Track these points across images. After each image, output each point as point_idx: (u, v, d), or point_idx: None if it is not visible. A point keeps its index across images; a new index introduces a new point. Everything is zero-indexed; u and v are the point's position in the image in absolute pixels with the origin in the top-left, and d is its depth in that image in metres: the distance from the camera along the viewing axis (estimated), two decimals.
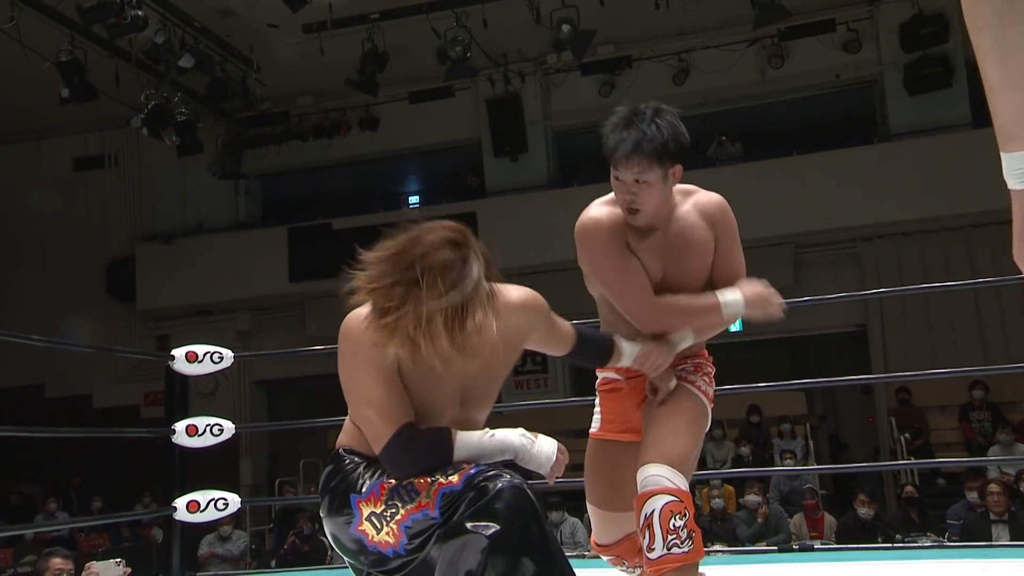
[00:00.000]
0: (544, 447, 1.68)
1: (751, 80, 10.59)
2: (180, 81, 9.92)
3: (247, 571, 6.96)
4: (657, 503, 1.87)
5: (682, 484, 1.92)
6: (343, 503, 1.62)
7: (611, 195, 2.11)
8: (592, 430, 2.29)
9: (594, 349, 2.05)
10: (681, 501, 1.89)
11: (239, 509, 4.10)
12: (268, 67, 10.26)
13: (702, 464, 8.90)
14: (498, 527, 1.46)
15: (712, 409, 2.13)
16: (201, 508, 3.88)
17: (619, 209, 2.07)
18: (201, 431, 3.89)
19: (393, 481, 1.58)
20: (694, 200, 2.16)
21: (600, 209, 2.11)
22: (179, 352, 3.94)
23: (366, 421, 1.63)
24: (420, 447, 1.58)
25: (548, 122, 11.21)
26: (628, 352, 2.04)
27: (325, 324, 10.79)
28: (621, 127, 2.01)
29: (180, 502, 3.87)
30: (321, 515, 1.70)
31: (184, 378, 4.11)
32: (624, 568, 2.26)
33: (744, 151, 10.70)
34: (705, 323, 2.11)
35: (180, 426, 3.89)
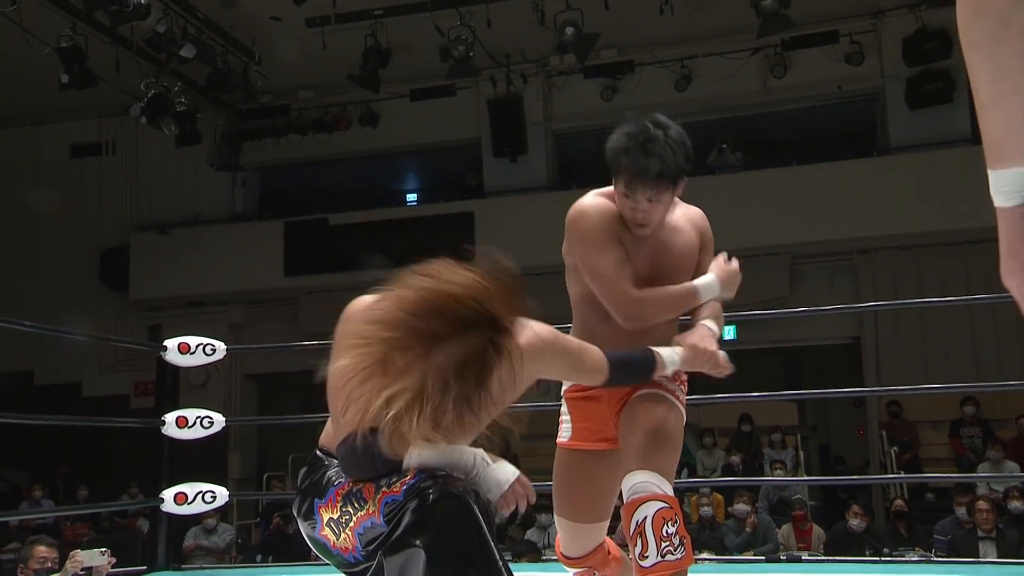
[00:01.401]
0: (499, 472, 1.58)
1: (753, 89, 10.59)
2: (180, 71, 9.88)
3: (232, 564, 6.94)
4: (649, 510, 1.86)
5: (670, 491, 1.93)
6: (309, 507, 1.64)
7: (609, 188, 2.11)
8: (561, 440, 2.23)
9: (634, 370, 1.96)
10: (671, 507, 1.88)
11: (226, 502, 4.09)
12: (269, 60, 10.23)
13: (692, 472, 8.89)
14: (434, 539, 1.46)
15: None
16: (189, 500, 3.86)
17: (614, 204, 2.09)
18: (191, 423, 3.87)
19: (347, 487, 1.59)
20: (682, 209, 2.22)
21: (596, 199, 2.12)
22: (172, 343, 3.92)
23: (341, 418, 1.62)
24: (369, 454, 1.53)
25: (549, 124, 11.20)
26: (669, 358, 1.99)
27: (319, 319, 10.79)
28: (638, 151, 1.99)
29: (168, 493, 3.85)
30: (295, 515, 1.72)
31: (176, 369, 4.10)
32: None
33: (744, 160, 10.70)
34: (684, 309, 2.15)
35: (170, 417, 3.87)
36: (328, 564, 1.68)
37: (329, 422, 1.74)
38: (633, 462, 1.95)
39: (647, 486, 1.90)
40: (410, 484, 1.52)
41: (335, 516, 1.59)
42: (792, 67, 10.35)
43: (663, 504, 1.87)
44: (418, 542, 1.46)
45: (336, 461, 1.65)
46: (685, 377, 2.16)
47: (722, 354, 2.06)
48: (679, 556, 1.85)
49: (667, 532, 1.85)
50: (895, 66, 10.04)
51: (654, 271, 2.10)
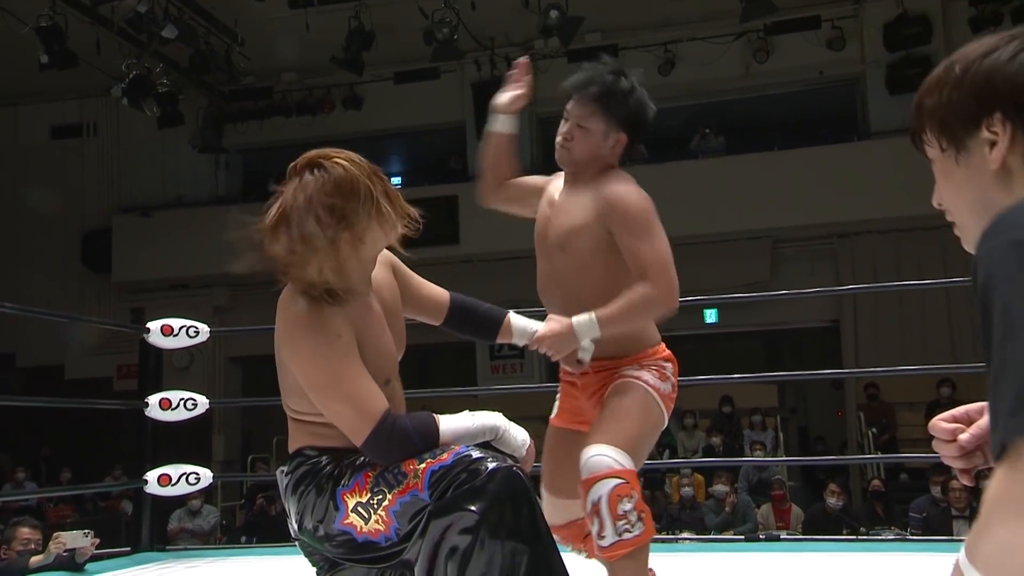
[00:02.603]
0: (520, 431, 1.67)
1: (736, 74, 10.63)
2: (162, 52, 9.81)
3: (216, 546, 6.97)
4: (604, 488, 1.84)
5: (628, 463, 1.87)
6: (330, 498, 1.58)
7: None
8: (551, 416, 2.30)
9: (476, 321, 1.98)
10: (628, 483, 1.85)
11: (210, 484, 4.11)
12: (252, 41, 10.17)
13: (673, 452, 8.99)
14: (488, 507, 1.46)
15: (668, 407, 2.08)
16: (173, 482, 3.89)
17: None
18: (175, 405, 3.89)
19: (376, 470, 1.56)
20: (614, 183, 2.07)
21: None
22: (154, 325, 3.93)
23: (338, 415, 1.58)
24: (406, 435, 1.56)
25: (532, 108, 11.18)
26: (520, 330, 1.99)
27: None
28: (580, 73, 2.09)
29: (151, 475, 3.88)
30: (294, 518, 1.64)
31: (159, 351, 4.11)
32: (570, 550, 2.25)
33: (726, 144, 10.76)
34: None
35: (153, 399, 3.89)
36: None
37: (296, 424, 1.69)
38: (592, 437, 1.94)
39: (601, 459, 1.86)
40: (459, 453, 1.53)
41: (364, 499, 1.55)
42: (774, 52, 10.40)
43: (619, 480, 1.84)
44: (472, 507, 1.46)
45: (326, 456, 1.62)
46: (664, 365, 2.13)
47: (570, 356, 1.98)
48: (637, 533, 1.83)
49: (623, 510, 1.82)
50: (876, 51, 10.11)
51: (550, 233, 2.13)
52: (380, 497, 1.54)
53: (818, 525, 6.87)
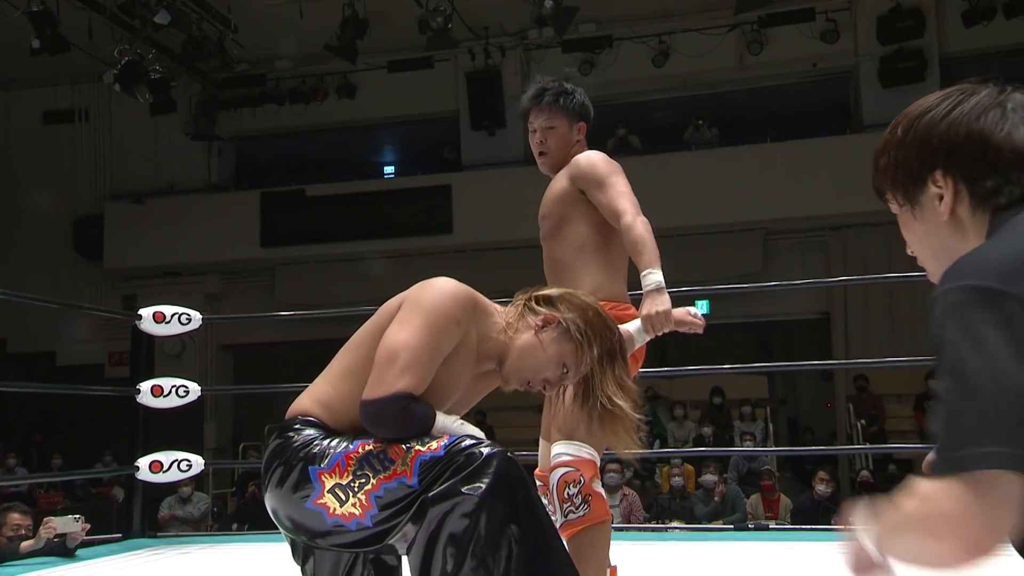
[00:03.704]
0: (476, 432, 1.67)
1: (730, 65, 10.64)
2: (155, 38, 9.76)
3: (207, 533, 6.98)
4: (554, 477, 2.05)
5: (581, 453, 2.07)
6: (301, 476, 1.56)
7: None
8: None
9: None
10: (576, 470, 2.04)
11: (202, 471, 4.12)
12: (246, 28, 10.12)
13: (663, 442, 9.03)
14: (487, 492, 1.47)
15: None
16: (164, 468, 3.90)
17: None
18: (166, 392, 3.90)
19: (360, 451, 1.55)
20: (575, 158, 2.33)
21: None
22: (146, 312, 3.93)
23: (384, 359, 1.56)
24: (410, 416, 1.55)
25: None
26: (635, 330, 2.08)
27: (295, 291, 10.83)
28: (529, 91, 2.40)
29: (143, 462, 3.89)
30: (265, 490, 1.63)
31: (151, 338, 4.11)
32: (546, 501, 2.39)
33: (719, 136, 10.77)
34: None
35: (145, 386, 3.90)
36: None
37: (317, 386, 1.69)
38: (553, 435, 2.13)
39: (558, 457, 2.08)
40: (448, 443, 1.53)
41: (343, 481, 1.53)
42: (768, 44, 10.41)
43: (567, 469, 2.05)
44: (470, 492, 1.47)
45: (314, 431, 1.61)
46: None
47: (680, 311, 2.14)
48: (581, 514, 2.01)
49: (568, 494, 2.02)
50: (869, 44, 10.13)
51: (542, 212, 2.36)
52: (363, 481, 1.52)
53: (807, 515, 6.92)
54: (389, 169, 13.10)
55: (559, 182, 2.32)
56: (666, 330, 2.10)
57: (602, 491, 2.09)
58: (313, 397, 1.67)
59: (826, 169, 9.63)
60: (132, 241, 11.40)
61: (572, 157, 2.32)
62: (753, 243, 10.16)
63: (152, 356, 4.22)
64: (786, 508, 7.41)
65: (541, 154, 2.38)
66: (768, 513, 7.34)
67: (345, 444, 1.57)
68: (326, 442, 1.59)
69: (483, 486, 1.47)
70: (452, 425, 1.60)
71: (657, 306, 2.06)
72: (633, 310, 2.25)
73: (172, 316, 3.95)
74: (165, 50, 10.14)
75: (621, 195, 2.18)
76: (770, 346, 12.08)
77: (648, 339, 2.12)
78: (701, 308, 10.40)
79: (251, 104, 11.42)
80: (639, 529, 5.26)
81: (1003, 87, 1.00)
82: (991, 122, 0.96)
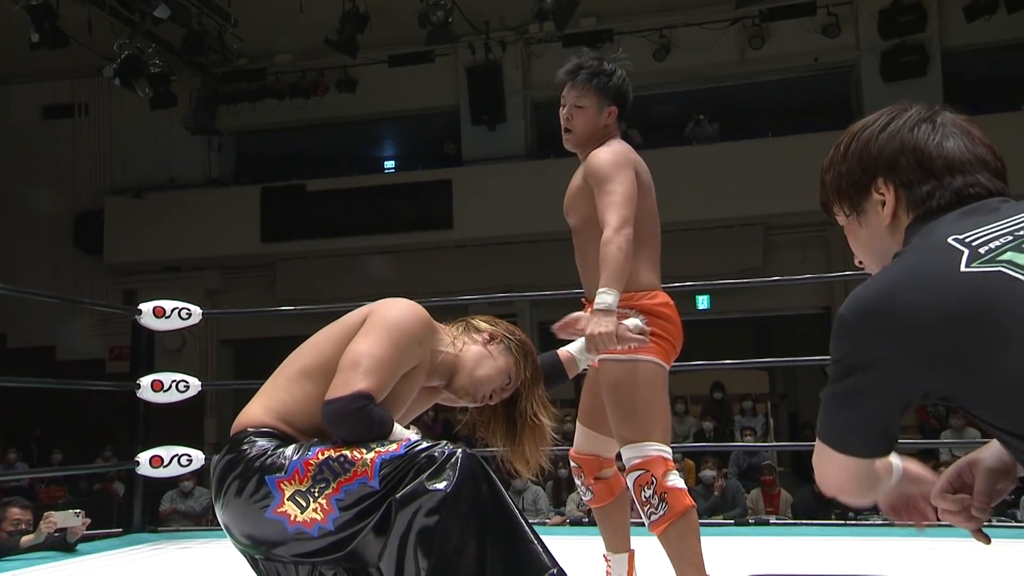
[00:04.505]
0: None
1: (731, 60, 10.61)
2: (155, 32, 9.74)
3: (208, 527, 6.98)
4: (629, 482, 2.13)
5: (647, 454, 2.13)
6: (259, 486, 1.56)
7: None
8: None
9: (550, 373, 2.01)
10: (647, 471, 2.10)
11: (202, 466, 4.12)
12: (245, 22, 10.10)
13: None
14: (451, 488, 1.48)
15: (661, 353, 2.19)
16: (164, 463, 3.90)
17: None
18: (167, 387, 3.90)
19: (319, 456, 1.55)
20: (593, 152, 2.30)
21: None
22: (146, 307, 3.93)
23: (348, 364, 1.61)
24: (371, 416, 1.58)
25: (527, 92, 11.17)
26: (578, 351, 2.08)
27: (295, 286, 10.82)
28: (567, 64, 2.37)
29: (143, 456, 3.89)
30: (219, 505, 1.62)
31: (151, 333, 4.11)
32: (580, 482, 2.42)
33: (720, 131, 10.75)
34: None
35: (145, 381, 3.89)
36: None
37: (267, 395, 1.70)
38: (618, 442, 2.20)
39: (627, 463, 2.14)
40: (410, 443, 1.55)
41: (303, 487, 1.54)
42: (770, 39, 10.38)
43: (638, 472, 2.11)
44: (435, 488, 1.48)
45: (267, 441, 1.61)
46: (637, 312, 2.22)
47: (625, 324, 2.08)
48: (661, 513, 2.09)
49: (645, 497, 2.09)
50: (871, 38, 10.10)
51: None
52: (323, 485, 1.53)
53: (807, 510, 6.92)
54: (389, 164, 13.08)
55: (577, 178, 2.32)
56: (608, 349, 2.09)
57: (678, 483, 2.12)
58: (265, 405, 1.69)
59: None
60: (132, 236, 11.39)
61: (598, 140, 2.29)
62: (754, 238, 10.15)
63: (152, 351, 4.22)
64: (786, 503, 7.42)
65: (567, 131, 2.35)
66: (768, 508, 7.35)
67: (303, 451, 1.58)
68: (282, 451, 1.59)
69: (448, 482, 1.48)
70: (408, 433, 1.63)
71: (600, 327, 2.04)
72: (663, 296, 2.27)
73: (172, 311, 3.94)
74: (165, 44, 10.12)
75: (612, 205, 2.15)
76: (771, 341, 12.08)
77: (591, 359, 2.11)
78: (702, 303, 10.40)
79: (251, 98, 11.40)
80: (639, 524, 5.26)
81: (932, 107, 1.09)
82: (923, 133, 1.06)
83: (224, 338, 11.62)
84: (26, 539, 3.65)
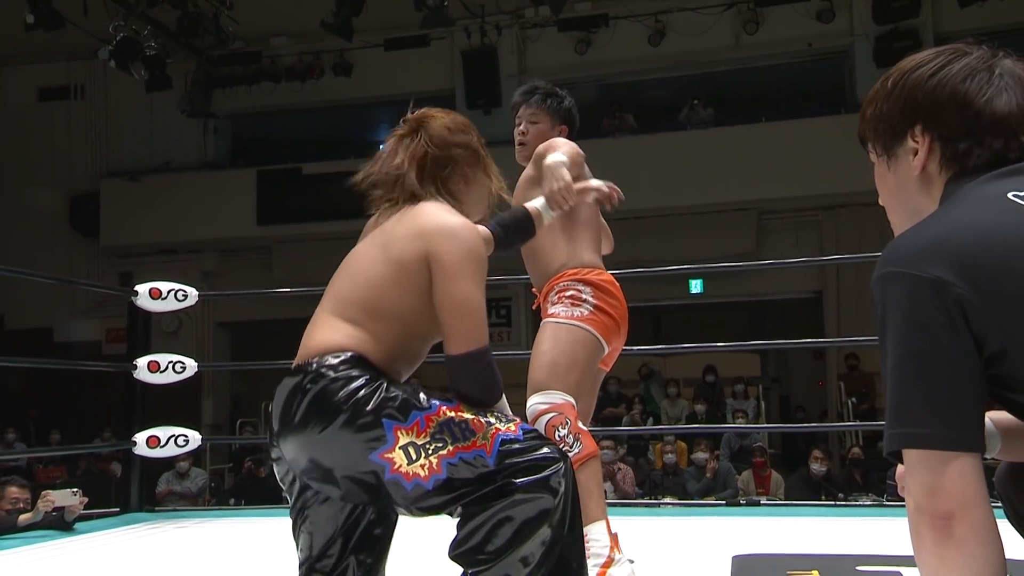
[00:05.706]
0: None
1: (726, 45, 10.62)
2: (150, 14, 9.72)
3: (205, 508, 7.05)
4: (541, 423, 2.18)
5: (554, 400, 2.20)
6: (371, 425, 1.50)
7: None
8: None
9: (517, 230, 2.17)
10: (560, 413, 2.18)
11: (199, 446, 4.17)
12: (241, 5, 10.08)
13: (657, 420, 9.10)
14: (563, 496, 1.50)
15: (596, 324, 2.29)
16: (161, 444, 3.94)
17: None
18: (163, 367, 3.94)
19: (441, 414, 1.52)
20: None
21: None
22: (143, 288, 3.96)
23: (459, 312, 1.58)
24: (494, 376, 1.60)
25: (523, 77, 11.15)
26: (540, 206, 2.19)
27: (291, 268, 10.84)
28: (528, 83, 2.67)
29: (140, 437, 3.93)
30: (306, 429, 1.52)
31: (147, 315, 4.14)
32: None
33: (715, 116, 10.77)
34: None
35: (142, 362, 3.93)
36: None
37: (345, 326, 1.60)
38: (527, 391, 2.27)
39: (533, 408, 2.21)
40: (525, 427, 1.56)
41: (419, 441, 1.50)
42: (764, 24, 10.39)
43: (551, 414, 2.18)
44: (541, 496, 1.49)
45: (379, 376, 1.55)
46: (572, 290, 2.33)
47: (585, 183, 2.26)
48: (576, 451, 2.14)
49: (559, 435, 2.14)
50: (864, 24, 10.11)
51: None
52: (439, 445, 1.51)
53: (798, 491, 7.01)
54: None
55: (526, 172, 2.50)
56: (571, 203, 2.16)
57: (585, 429, 2.22)
58: (345, 333, 1.59)
59: (820, 149, 9.65)
60: (128, 218, 11.40)
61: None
62: (747, 222, 10.19)
63: (149, 332, 4.25)
64: (777, 484, 7.50)
65: (520, 144, 2.59)
66: (760, 489, 7.43)
67: (427, 405, 1.54)
68: (405, 396, 1.53)
69: (560, 490, 1.50)
70: (507, 406, 1.64)
71: (556, 182, 2.15)
72: (608, 275, 2.40)
73: (168, 293, 3.98)
74: (160, 27, 10.10)
75: (558, 152, 2.27)
76: (763, 325, 12.14)
77: (555, 215, 2.18)
78: (695, 287, 10.46)
79: (247, 81, 11.39)
80: (632, 505, 5.33)
81: (995, 51, 1.02)
82: (976, 86, 0.99)
83: (221, 320, 11.66)
84: (24, 518, 3.69)
